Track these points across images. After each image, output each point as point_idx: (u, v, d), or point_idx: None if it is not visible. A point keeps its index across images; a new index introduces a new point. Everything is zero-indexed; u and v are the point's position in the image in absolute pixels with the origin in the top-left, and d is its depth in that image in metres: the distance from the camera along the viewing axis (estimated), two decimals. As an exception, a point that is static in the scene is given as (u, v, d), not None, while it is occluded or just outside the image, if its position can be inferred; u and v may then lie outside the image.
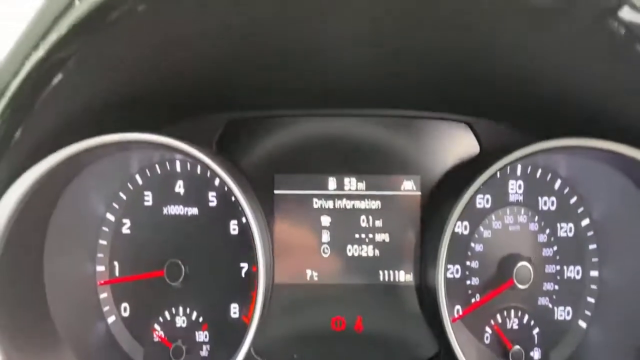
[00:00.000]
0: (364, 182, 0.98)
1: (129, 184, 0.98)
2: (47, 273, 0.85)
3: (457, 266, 0.95)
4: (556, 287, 0.96)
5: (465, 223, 0.95)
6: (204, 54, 0.68)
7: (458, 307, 0.95)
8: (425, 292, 0.95)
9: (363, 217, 0.99)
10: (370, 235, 0.98)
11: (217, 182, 0.98)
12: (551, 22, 0.57)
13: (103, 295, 0.98)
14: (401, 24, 0.61)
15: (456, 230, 0.94)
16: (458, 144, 0.98)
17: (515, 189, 0.96)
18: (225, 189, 0.95)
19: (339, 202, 0.99)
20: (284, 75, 0.79)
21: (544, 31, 0.59)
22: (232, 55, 0.69)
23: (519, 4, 0.54)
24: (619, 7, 0.53)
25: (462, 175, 0.93)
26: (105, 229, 0.98)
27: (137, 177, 0.98)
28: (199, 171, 0.98)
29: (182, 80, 0.77)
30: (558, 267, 0.96)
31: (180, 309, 0.98)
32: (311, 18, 0.61)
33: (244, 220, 0.97)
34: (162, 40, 0.61)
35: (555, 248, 0.96)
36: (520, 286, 0.90)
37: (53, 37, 0.54)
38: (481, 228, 0.96)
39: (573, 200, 0.96)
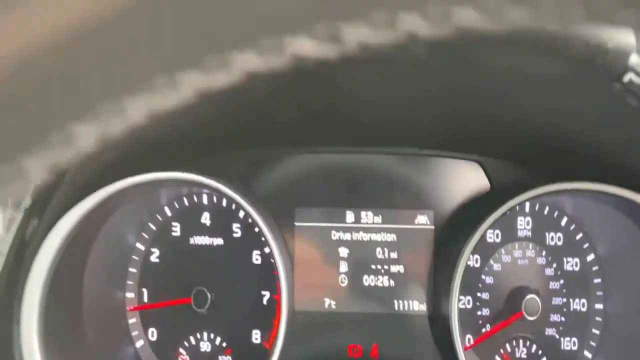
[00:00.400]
0: (380, 215, 1.04)
1: (158, 215, 1.04)
2: (85, 300, 0.91)
3: (469, 297, 1.01)
4: (563, 318, 1.00)
5: (477, 256, 1.00)
6: (251, 103, 0.73)
7: (469, 336, 1.00)
8: (438, 321, 1.00)
9: (379, 249, 1.04)
10: (386, 267, 1.04)
11: (241, 214, 1.03)
12: (562, 86, 0.63)
13: (132, 321, 1.03)
14: (434, 90, 0.68)
15: (468, 263, 0.99)
16: (469, 181, 1.04)
17: (524, 225, 1.01)
18: (249, 220, 1.01)
19: (356, 234, 1.04)
20: (316, 119, 0.85)
21: (554, 93, 0.65)
22: (275, 101, 0.75)
23: (533, 73, 0.60)
24: (625, 73, 0.59)
25: (474, 211, 0.98)
26: (135, 257, 1.04)
27: (166, 208, 1.04)
28: (224, 204, 1.04)
29: (226, 122, 0.83)
30: (564, 300, 1.01)
31: (205, 334, 1.03)
32: (359, 83, 0.67)
33: (265, 250, 1.02)
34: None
35: (561, 281, 1.01)
36: (529, 317, 0.95)
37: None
38: (491, 261, 1.01)
39: (579, 236, 1.01)
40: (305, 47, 0.21)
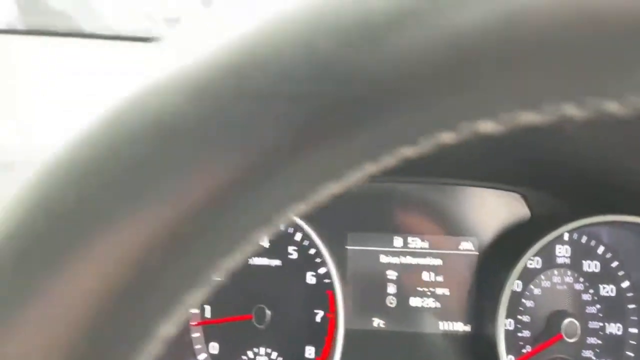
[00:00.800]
0: (426, 241, 1.11)
1: (220, 237, 1.12)
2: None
3: (511, 319, 1.07)
4: (599, 341, 1.07)
5: (519, 281, 1.07)
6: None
7: (511, 356, 1.06)
8: (482, 341, 1.07)
9: (425, 272, 1.11)
10: (432, 289, 1.11)
11: (297, 237, 1.11)
12: (625, 127, 0.70)
13: (195, 335, 1.11)
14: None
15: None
16: (510, 210, 1.11)
17: (562, 252, 1.08)
18: (305, 243, 1.09)
19: (404, 258, 1.12)
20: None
21: (614, 132, 0.73)
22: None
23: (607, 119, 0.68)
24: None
25: (516, 239, 1.06)
26: (198, 275, 1.12)
27: (228, 231, 1.12)
28: (281, 227, 1.12)
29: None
30: (601, 324, 1.07)
31: (262, 349, 1.10)
32: None
33: (319, 271, 1.10)
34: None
35: (598, 306, 1.07)
36: (569, 340, 1.01)
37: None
38: (532, 286, 1.08)
39: (614, 264, 1.08)
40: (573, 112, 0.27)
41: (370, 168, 0.27)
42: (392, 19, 0.23)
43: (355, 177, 0.28)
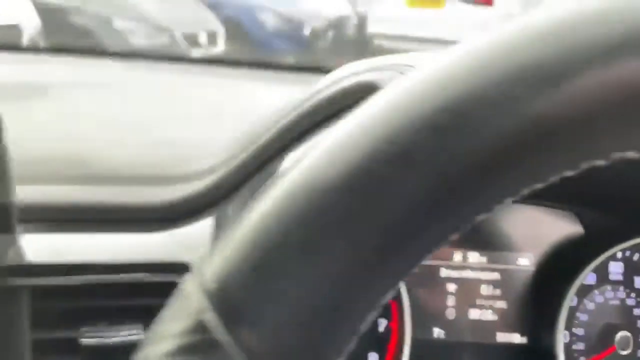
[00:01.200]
0: (485, 257, 1.18)
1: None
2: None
3: (566, 332, 1.13)
4: (650, 354, 1.13)
5: (574, 297, 1.13)
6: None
7: (567, 367, 1.13)
8: (538, 353, 1.13)
9: (484, 286, 1.18)
10: (490, 302, 1.17)
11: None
12: None
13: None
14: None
15: (567, 302, 1.12)
16: (564, 227, 1.17)
17: (616, 269, 1.14)
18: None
19: (464, 272, 1.18)
20: None
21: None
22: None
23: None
24: None
25: (572, 256, 1.12)
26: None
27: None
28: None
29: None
30: (652, 338, 1.13)
31: (329, 355, 1.17)
32: None
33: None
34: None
35: (650, 321, 1.13)
36: (622, 352, 1.08)
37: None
38: (586, 300, 1.14)
39: (666, 281, 1.14)
40: None
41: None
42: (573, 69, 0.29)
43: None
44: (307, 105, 0.89)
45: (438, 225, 0.31)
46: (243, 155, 0.98)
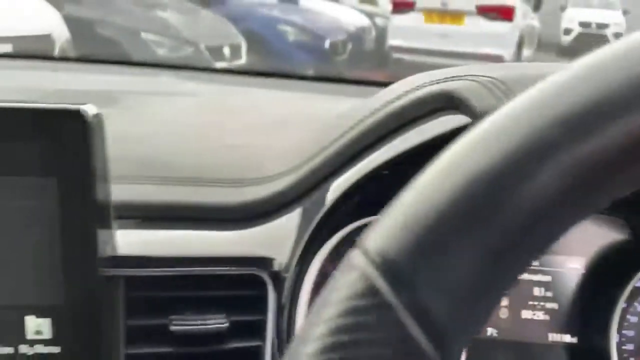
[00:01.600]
0: (537, 260, 1.23)
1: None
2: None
3: (616, 333, 1.18)
4: (698, 355, 1.17)
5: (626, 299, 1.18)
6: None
7: (618, 367, 1.17)
8: (589, 353, 1.18)
9: (536, 288, 1.23)
10: (542, 303, 1.22)
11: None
12: None
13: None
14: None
15: (618, 304, 1.17)
16: (613, 233, 1.22)
17: (664, 273, 1.19)
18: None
19: (516, 274, 1.23)
20: None
21: None
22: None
23: None
24: None
25: (622, 261, 1.17)
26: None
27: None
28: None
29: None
30: (699, 339, 1.17)
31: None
32: None
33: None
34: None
35: (697, 323, 1.18)
36: (672, 353, 1.12)
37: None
38: (636, 303, 1.19)
39: None
40: None
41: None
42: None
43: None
44: (382, 113, 0.95)
45: (571, 210, 0.37)
46: (316, 161, 1.04)
